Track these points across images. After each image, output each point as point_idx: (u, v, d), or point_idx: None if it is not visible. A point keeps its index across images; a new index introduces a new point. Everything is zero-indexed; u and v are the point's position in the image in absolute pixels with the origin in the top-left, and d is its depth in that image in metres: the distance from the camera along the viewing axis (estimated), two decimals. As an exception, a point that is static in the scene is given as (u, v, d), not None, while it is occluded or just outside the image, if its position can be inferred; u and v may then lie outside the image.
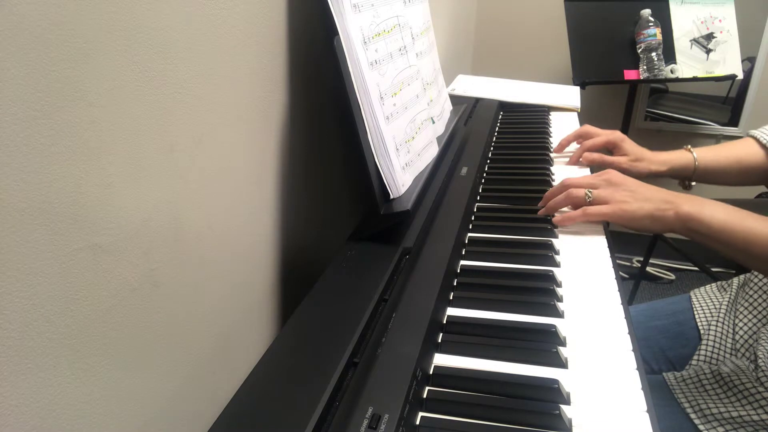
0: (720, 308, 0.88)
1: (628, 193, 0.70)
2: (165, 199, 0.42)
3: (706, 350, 0.85)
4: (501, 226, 0.74)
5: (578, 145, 0.96)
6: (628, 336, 0.52)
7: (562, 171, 0.93)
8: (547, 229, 0.72)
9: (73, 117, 0.33)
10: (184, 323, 0.47)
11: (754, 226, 0.63)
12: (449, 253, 0.60)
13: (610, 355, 0.50)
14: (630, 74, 1.68)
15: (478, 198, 0.82)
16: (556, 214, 0.73)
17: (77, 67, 0.33)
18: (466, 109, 1.11)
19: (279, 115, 0.59)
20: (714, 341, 0.85)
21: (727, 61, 1.72)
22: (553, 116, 1.23)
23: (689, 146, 0.92)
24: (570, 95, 1.33)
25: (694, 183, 0.93)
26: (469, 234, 0.72)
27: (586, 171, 0.93)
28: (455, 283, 0.61)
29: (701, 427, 0.74)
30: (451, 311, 0.57)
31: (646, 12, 1.64)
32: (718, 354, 0.84)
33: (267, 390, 0.41)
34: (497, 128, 1.14)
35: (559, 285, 0.61)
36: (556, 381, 0.46)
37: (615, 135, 0.93)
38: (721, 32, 1.71)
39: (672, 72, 1.68)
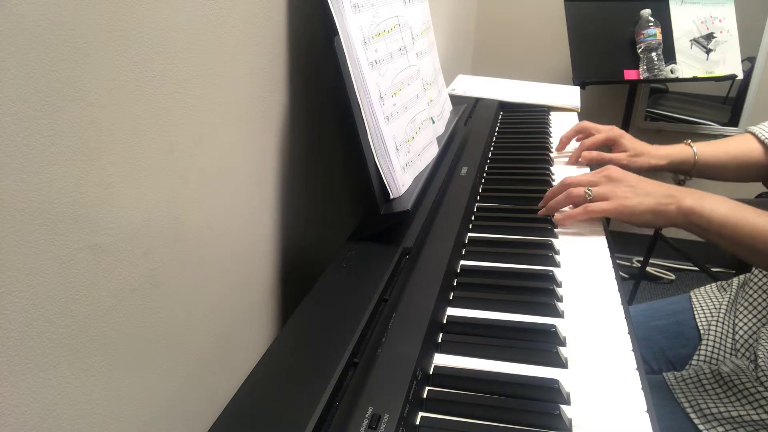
0: (720, 308, 0.88)
1: (628, 188, 0.70)
2: (165, 199, 0.42)
3: (706, 350, 0.85)
4: (501, 226, 0.74)
5: (578, 143, 0.96)
6: (628, 336, 0.52)
7: (562, 171, 0.93)
8: (547, 229, 0.72)
9: (73, 117, 0.33)
10: (184, 323, 0.47)
11: (756, 221, 0.63)
12: (449, 253, 0.60)
13: (610, 355, 0.50)
14: (630, 74, 1.68)
15: (478, 198, 0.82)
16: (556, 214, 0.73)
17: (77, 67, 0.33)
18: (466, 109, 1.11)
19: (279, 115, 0.59)
20: (714, 341, 0.85)
21: (727, 61, 1.72)
22: (553, 116, 1.23)
23: (689, 141, 0.92)
24: (570, 95, 1.33)
25: (684, 178, 0.93)
26: (469, 234, 0.72)
27: (586, 170, 0.93)
28: (455, 283, 0.61)
29: (701, 427, 0.74)
30: (451, 311, 0.57)
31: (646, 12, 1.64)
32: (718, 354, 0.84)
33: (267, 390, 0.41)
34: (497, 128, 1.14)
35: (559, 285, 0.61)
36: (556, 381, 0.46)
37: (614, 131, 0.93)
38: (721, 32, 1.71)
39: (672, 72, 1.68)
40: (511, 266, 0.64)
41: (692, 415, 0.75)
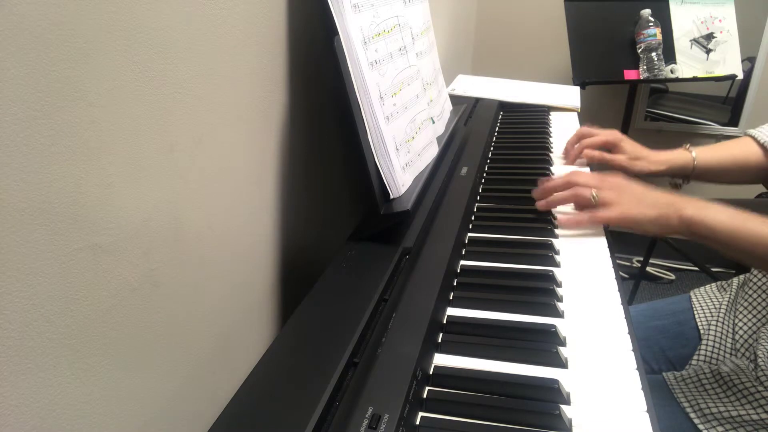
0: (720, 308, 0.88)
1: (632, 197, 0.70)
2: (165, 199, 0.42)
3: (706, 350, 0.85)
4: (501, 226, 0.74)
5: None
6: (628, 336, 0.52)
7: (562, 171, 0.93)
8: (547, 229, 0.72)
9: (73, 117, 0.33)
10: (184, 323, 0.47)
11: (758, 228, 0.63)
12: (449, 253, 0.60)
13: (610, 355, 0.50)
14: (630, 74, 1.68)
15: (478, 198, 0.82)
16: (559, 215, 0.72)
17: (77, 67, 0.33)
18: (466, 109, 1.11)
19: (279, 115, 0.59)
20: (714, 341, 0.85)
21: (727, 61, 1.72)
22: (553, 116, 1.23)
23: (688, 145, 0.92)
24: (570, 95, 1.33)
25: (682, 183, 0.94)
26: (469, 234, 0.72)
27: (586, 170, 0.93)
28: (455, 283, 0.61)
29: (701, 427, 0.74)
30: (451, 311, 0.57)
31: (646, 12, 1.64)
32: (718, 354, 0.84)
33: (267, 390, 0.41)
34: (497, 128, 1.14)
35: (559, 285, 0.61)
36: (556, 381, 0.46)
37: (614, 135, 0.94)
38: (721, 32, 1.71)
39: (672, 72, 1.68)
40: (511, 266, 0.64)
41: (692, 415, 0.75)
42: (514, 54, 2.18)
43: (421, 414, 0.44)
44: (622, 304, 0.57)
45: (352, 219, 0.85)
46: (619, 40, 1.69)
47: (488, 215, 0.77)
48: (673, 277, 2.20)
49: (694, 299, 0.94)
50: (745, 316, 0.83)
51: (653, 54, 1.64)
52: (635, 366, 0.48)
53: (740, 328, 0.82)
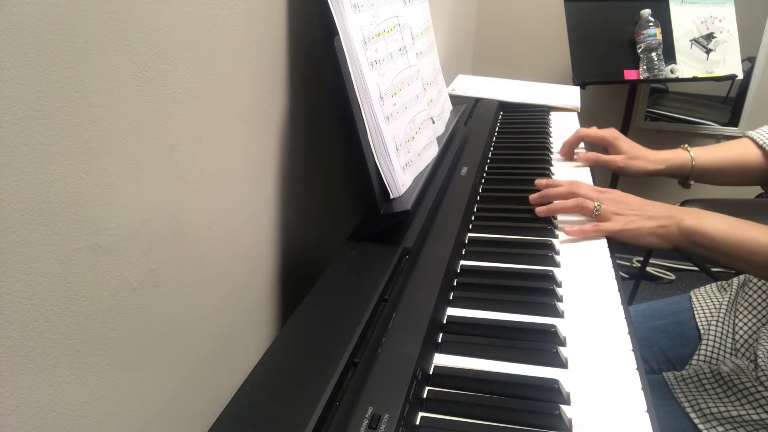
0: (720, 308, 0.88)
1: (632, 210, 0.71)
2: (165, 199, 0.42)
3: (706, 350, 0.85)
4: (501, 226, 0.74)
5: (582, 150, 0.97)
6: (628, 336, 0.52)
7: (562, 171, 0.93)
8: (547, 229, 0.72)
9: (73, 117, 0.33)
10: (184, 323, 0.47)
11: (757, 236, 0.64)
12: (449, 253, 0.60)
13: (610, 355, 0.50)
14: (630, 74, 1.68)
15: (478, 198, 0.82)
16: (566, 226, 0.72)
17: (77, 67, 0.33)
18: (466, 109, 1.11)
19: (279, 115, 0.59)
20: (714, 341, 0.85)
21: (727, 61, 1.72)
22: (553, 116, 1.23)
23: (686, 145, 0.92)
24: (570, 95, 1.33)
25: (692, 182, 0.93)
26: (469, 234, 0.72)
27: (586, 170, 0.93)
28: (455, 283, 0.61)
29: (701, 427, 0.74)
30: (451, 311, 0.57)
31: (646, 12, 1.64)
32: (718, 354, 0.84)
33: (267, 390, 0.41)
34: (497, 128, 1.14)
35: (559, 285, 0.61)
36: (556, 381, 0.46)
37: (610, 133, 0.93)
38: (721, 32, 1.71)
39: (672, 72, 1.68)
40: (511, 266, 0.64)
41: (692, 415, 0.75)
42: (514, 54, 2.18)
43: (421, 414, 0.44)
44: (622, 304, 0.57)
45: (352, 219, 0.85)
46: (619, 40, 1.69)
47: (488, 215, 0.77)
48: (673, 277, 2.20)
49: (694, 299, 0.94)
50: (745, 316, 0.83)
51: (653, 54, 1.64)
52: (635, 366, 0.48)
53: (740, 328, 0.83)
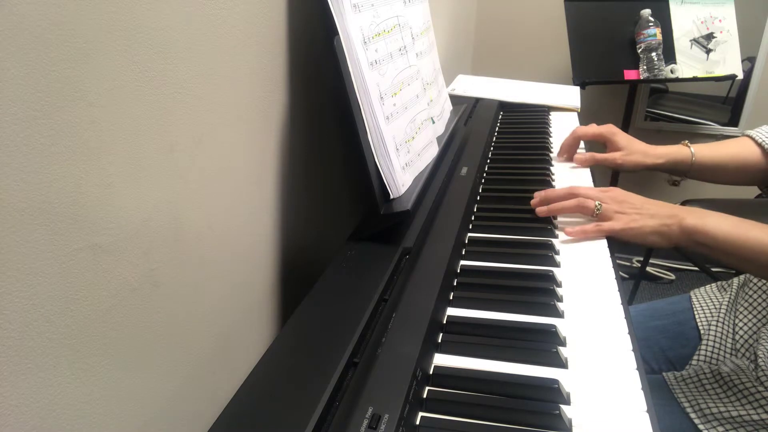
0: (720, 308, 0.88)
1: (633, 209, 0.71)
2: (165, 199, 0.42)
3: (706, 350, 0.85)
4: (501, 226, 0.74)
5: (582, 150, 0.97)
6: (628, 336, 0.52)
7: (562, 171, 0.93)
8: (547, 229, 0.72)
9: (73, 117, 0.33)
10: (184, 323, 0.47)
11: (760, 236, 0.64)
12: (449, 253, 0.60)
13: (610, 355, 0.50)
14: (630, 74, 1.68)
15: (478, 198, 0.82)
16: (567, 227, 0.71)
17: (77, 67, 0.33)
18: (466, 109, 1.11)
19: (279, 115, 0.59)
20: (714, 341, 0.85)
21: (727, 61, 1.72)
22: (553, 116, 1.23)
23: (686, 141, 0.92)
24: (570, 95, 1.33)
25: (679, 180, 0.93)
26: (469, 234, 0.72)
27: (586, 170, 0.93)
28: (455, 283, 0.61)
29: (701, 427, 0.74)
30: (451, 311, 0.57)
31: (646, 12, 1.64)
32: (719, 354, 0.84)
33: (267, 390, 0.41)
34: (497, 128, 1.14)
35: (559, 285, 0.61)
36: (556, 381, 0.46)
37: (607, 128, 0.93)
38: (721, 32, 1.71)
39: (672, 72, 1.68)
40: (511, 266, 0.64)
41: (692, 415, 0.75)
42: (514, 54, 2.18)
43: (421, 414, 0.44)
44: (622, 304, 0.57)
45: (352, 219, 0.85)
46: (619, 40, 1.69)
47: (488, 215, 0.77)
48: (673, 277, 2.20)
49: (694, 299, 0.94)
50: (745, 316, 0.83)
51: (653, 54, 1.64)
52: (635, 366, 0.48)
53: (740, 328, 0.82)
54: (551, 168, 0.93)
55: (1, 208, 0.29)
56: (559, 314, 0.56)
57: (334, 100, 0.71)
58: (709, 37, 1.71)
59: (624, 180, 1.93)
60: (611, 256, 0.66)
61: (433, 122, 0.81)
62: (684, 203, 1.50)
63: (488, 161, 0.96)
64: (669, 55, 1.68)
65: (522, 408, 0.44)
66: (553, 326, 0.52)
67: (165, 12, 0.39)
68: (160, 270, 0.43)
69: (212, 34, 0.46)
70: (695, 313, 0.91)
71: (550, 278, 0.61)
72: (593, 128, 0.94)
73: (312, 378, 0.41)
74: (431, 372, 0.48)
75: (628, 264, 2.25)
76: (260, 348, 0.61)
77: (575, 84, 1.58)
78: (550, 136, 1.09)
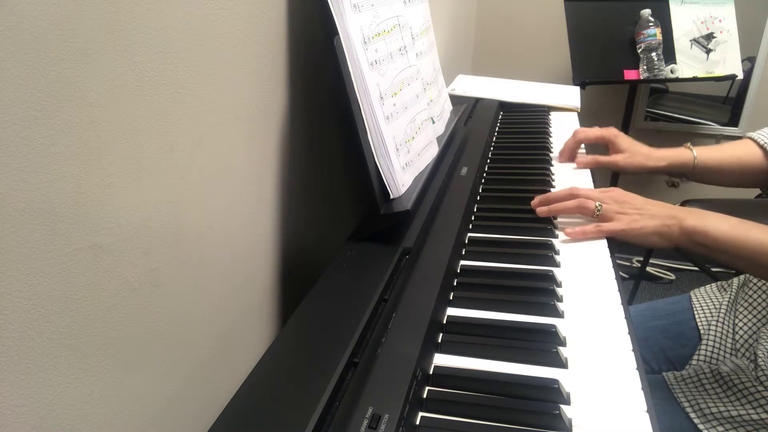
0: (720, 308, 0.88)
1: (634, 210, 0.71)
2: (165, 199, 0.42)
3: (706, 350, 0.85)
4: (501, 226, 0.74)
5: (582, 152, 0.96)
6: (628, 336, 0.52)
7: (562, 172, 0.93)
8: (547, 229, 0.72)
9: (73, 117, 0.33)
10: (184, 323, 0.47)
11: (759, 237, 0.64)
12: (449, 253, 0.60)
13: (610, 355, 0.50)
14: (630, 74, 1.68)
15: (478, 198, 0.82)
16: (567, 228, 0.72)
17: (77, 67, 0.33)
18: (466, 109, 1.11)
19: (279, 115, 0.59)
20: (714, 341, 0.85)
21: (727, 61, 1.72)
22: (553, 116, 1.23)
23: (688, 144, 0.92)
24: (570, 95, 1.33)
25: (682, 181, 0.94)
26: (469, 234, 0.72)
27: (586, 171, 0.93)
28: (455, 283, 0.61)
29: (701, 427, 0.74)
30: (451, 311, 0.57)
31: (646, 12, 1.64)
32: (718, 354, 0.84)
33: (267, 390, 0.41)
34: (497, 128, 1.14)
35: (559, 285, 0.61)
36: (556, 381, 0.46)
37: (609, 131, 0.93)
38: (721, 32, 1.71)
39: (672, 72, 1.68)
40: (511, 266, 0.64)
41: (692, 415, 0.75)
42: (514, 54, 2.18)
43: (421, 414, 0.44)
44: (622, 304, 0.57)
45: (352, 219, 0.85)
46: (619, 40, 1.69)
47: (488, 215, 0.77)
48: (673, 277, 2.20)
49: (694, 299, 0.94)
50: (745, 316, 0.83)
51: (653, 54, 1.64)
52: (635, 366, 0.48)
53: (740, 328, 0.83)
54: (551, 168, 0.93)
55: (1, 208, 0.29)
56: (559, 314, 0.56)
57: (334, 100, 0.71)
58: (709, 37, 1.71)
59: (624, 181, 1.93)
60: (611, 256, 0.66)
61: (433, 122, 0.81)
62: (684, 203, 1.50)
63: (488, 161, 0.96)
64: (669, 55, 1.68)
65: (522, 408, 0.44)
66: (553, 326, 0.52)
67: (165, 12, 0.39)
68: (160, 270, 0.43)
69: (212, 34, 0.46)
70: (695, 313, 0.91)
71: (550, 278, 0.61)
72: (595, 131, 0.94)
73: (312, 378, 0.41)
74: (431, 372, 0.48)
75: (628, 264, 2.25)
76: (260, 348, 0.61)
77: (575, 84, 1.58)
78: (550, 136, 1.09)
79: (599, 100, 2.12)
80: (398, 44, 0.68)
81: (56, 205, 0.32)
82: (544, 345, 0.51)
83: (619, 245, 0.70)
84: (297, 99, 0.62)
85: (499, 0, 2.12)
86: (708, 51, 1.71)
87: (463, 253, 0.68)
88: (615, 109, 2.01)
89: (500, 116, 1.21)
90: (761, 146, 0.89)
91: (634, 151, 0.91)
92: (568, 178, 0.90)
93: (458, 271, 0.64)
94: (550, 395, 0.45)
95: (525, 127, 1.14)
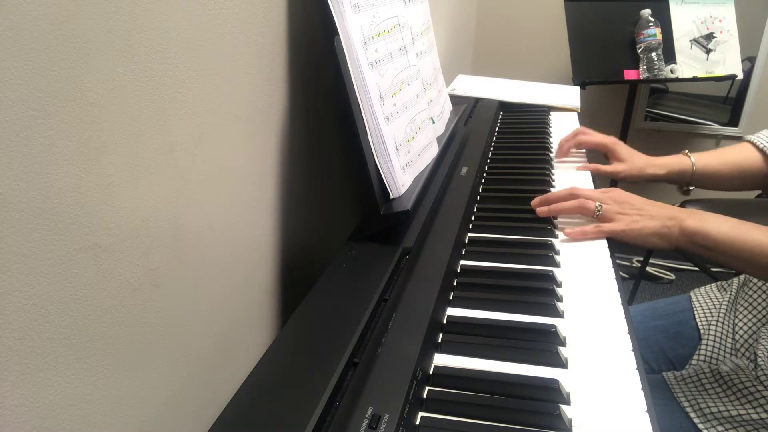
0: (720, 308, 0.88)
1: (634, 211, 0.71)
2: (165, 199, 0.42)
3: (706, 350, 0.85)
4: (501, 226, 0.74)
5: (581, 152, 0.97)
6: (628, 336, 0.52)
7: (562, 172, 0.93)
8: (547, 229, 0.72)
9: (73, 117, 0.33)
10: (184, 323, 0.47)
11: (759, 238, 0.64)
12: (449, 253, 0.60)
13: (610, 355, 0.50)
14: (630, 74, 1.68)
15: (478, 198, 0.82)
16: (566, 227, 0.71)
17: (77, 67, 0.33)
18: (466, 109, 1.11)
19: (279, 115, 0.59)
20: (714, 341, 0.85)
21: (727, 61, 1.72)
22: (553, 116, 1.23)
23: (686, 151, 0.92)
24: (570, 95, 1.33)
25: (692, 188, 0.94)
26: (469, 234, 0.72)
27: (586, 172, 0.93)
28: (455, 283, 0.61)
29: (701, 426, 0.74)
30: (451, 311, 0.57)
31: (646, 12, 1.64)
32: (718, 354, 0.84)
33: (267, 390, 0.41)
34: (497, 128, 1.14)
35: (559, 285, 0.61)
36: (556, 381, 0.46)
37: (609, 139, 0.94)
38: (721, 32, 1.71)
39: (672, 72, 1.68)
40: (511, 266, 0.64)
41: (692, 415, 0.75)
42: (514, 54, 2.18)
43: (421, 414, 0.44)
44: (622, 304, 0.57)
45: (352, 219, 0.85)
46: (619, 40, 1.69)
47: (488, 215, 0.77)
48: (673, 277, 2.20)
49: (694, 299, 0.94)
50: (745, 316, 0.83)
51: (653, 54, 1.64)
52: (635, 366, 0.48)
53: (740, 328, 0.83)
54: (551, 168, 0.93)
55: (1, 208, 0.29)
56: (559, 314, 0.56)
57: (334, 100, 0.71)
58: (709, 37, 1.71)
59: (624, 183, 1.93)
60: (611, 256, 0.66)
61: (433, 122, 0.81)
62: (684, 204, 1.50)
63: (488, 161, 0.96)
64: (669, 55, 1.68)
65: (522, 408, 0.44)
66: (553, 326, 0.52)
67: (165, 12, 0.39)
68: (160, 270, 0.43)
69: (212, 34, 0.46)
70: (695, 313, 0.91)
71: (550, 278, 0.61)
72: (596, 138, 0.94)
73: (312, 378, 0.41)
74: (431, 372, 0.48)
75: (628, 264, 2.25)
76: (260, 348, 0.61)
77: (575, 84, 1.58)
78: (550, 136, 1.09)
79: (599, 100, 2.12)
80: (398, 44, 0.68)
81: (56, 205, 0.32)
82: (544, 345, 0.51)
83: (619, 245, 0.70)
84: (297, 99, 0.62)
85: (499, 0, 2.12)
86: (708, 51, 1.71)
87: (463, 253, 0.68)
88: (615, 109, 2.01)
89: (500, 116, 1.21)
90: (760, 149, 0.89)
91: (634, 160, 0.91)
92: (568, 178, 0.90)
93: (458, 271, 0.64)
94: (550, 395, 0.45)
95: (525, 127, 1.14)
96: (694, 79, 1.71)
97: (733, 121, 2.04)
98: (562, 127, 1.15)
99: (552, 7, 1.97)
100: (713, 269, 1.89)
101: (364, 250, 0.60)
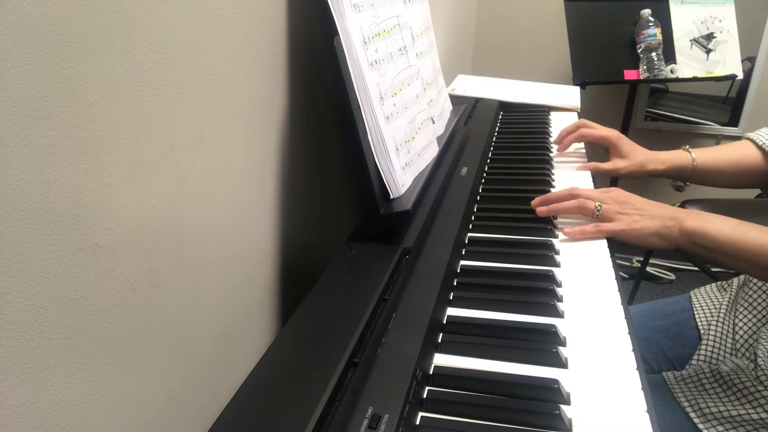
0: (720, 308, 0.88)
1: (634, 210, 0.71)
2: (165, 199, 0.42)
3: (706, 350, 0.85)
4: (501, 226, 0.74)
5: (581, 147, 0.97)
6: (628, 336, 0.52)
7: (562, 172, 0.93)
8: (547, 229, 0.72)
9: (73, 117, 0.33)
10: (184, 323, 0.47)
11: (759, 238, 0.64)
12: (449, 253, 0.60)
13: (610, 355, 0.50)
14: (630, 74, 1.68)
15: (478, 198, 0.82)
16: (566, 227, 0.72)
17: (77, 67, 0.33)
18: (466, 109, 1.11)
19: (279, 115, 0.59)
20: (714, 341, 0.85)
21: (727, 61, 1.72)
22: (553, 116, 1.23)
23: (687, 147, 0.92)
24: (570, 95, 1.33)
25: (687, 184, 0.94)
26: (469, 234, 0.72)
27: (586, 171, 0.93)
28: (455, 283, 0.61)
29: (701, 426, 0.74)
30: (451, 311, 0.57)
31: (646, 12, 1.64)
32: (718, 354, 0.84)
33: (267, 390, 0.41)
34: (497, 128, 1.14)
35: (559, 285, 0.61)
36: (556, 381, 0.46)
37: (612, 132, 0.94)
38: (721, 32, 1.71)
39: (672, 72, 1.68)
40: (511, 266, 0.64)
41: (692, 415, 0.75)
42: (514, 54, 2.18)
43: (421, 414, 0.44)
44: (622, 304, 0.57)
45: (352, 219, 0.85)
46: (619, 40, 1.69)
47: (488, 215, 0.77)
48: (673, 277, 2.20)
49: (694, 299, 0.94)
50: (745, 316, 0.83)
51: (653, 54, 1.64)
52: (635, 366, 0.48)
53: (740, 328, 0.83)
54: (551, 168, 0.93)
55: (1, 208, 0.29)
56: (559, 314, 0.56)
57: (334, 100, 0.71)
58: (709, 37, 1.71)
59: (624, 181, 1.93)
60: (611, 256, 0.66)
61: (433, 122, 0.81)
62: (684, 204, 1.50)
63: (488, 161, 0.96)
64: (669, 55, 1.68)
65: (522, 408, 0.44)
66: (553, 326, 0.52)
67: (165, 12, 0.39)
68: (160, 270, 0.43)
69: (212, 34, 0.46)
70: (695, 313, 0.91)
71: (550, 278, 0.61)
72: (598, 131, 0.94)
73: (312, 378, 0.41)
74: (431, 372, 0.48)
75: (628, 264, 2.25)
76: (260, 348, 0.61)
77: (575, 84, 1.58)
78: (550, 136, 1.09)
79: (599, 100, 2.12)
80: (398, 44, 0.68)
81: (56, 205, 0.32)
82: (544, 345, 0.51)
83: (619, 245, 0.70)
84: (297, 99, 0.62)
85: (499, 0, 2.12)
86: (708, 51, 1.71)
87: (463, 253, 0.68)
88: (615, 109, 2.01)
89: (500, 116, 1.21)
90: (760, 147, 0.89)
91: (635, 155, 0.91)
92: (568, 178, 0.90)
93: (458, 271, 0.64)
94: (550, 395, 0.45)
95: (525, 127, 1.14)
96: (694, 79, 1.71)
97: (733, 121, 2.04)
98: (562, 127, 1.14)
99: (552, 7, 1.97)
100: (713, 269, 1.89)
101: (364, 250, 0.60)
